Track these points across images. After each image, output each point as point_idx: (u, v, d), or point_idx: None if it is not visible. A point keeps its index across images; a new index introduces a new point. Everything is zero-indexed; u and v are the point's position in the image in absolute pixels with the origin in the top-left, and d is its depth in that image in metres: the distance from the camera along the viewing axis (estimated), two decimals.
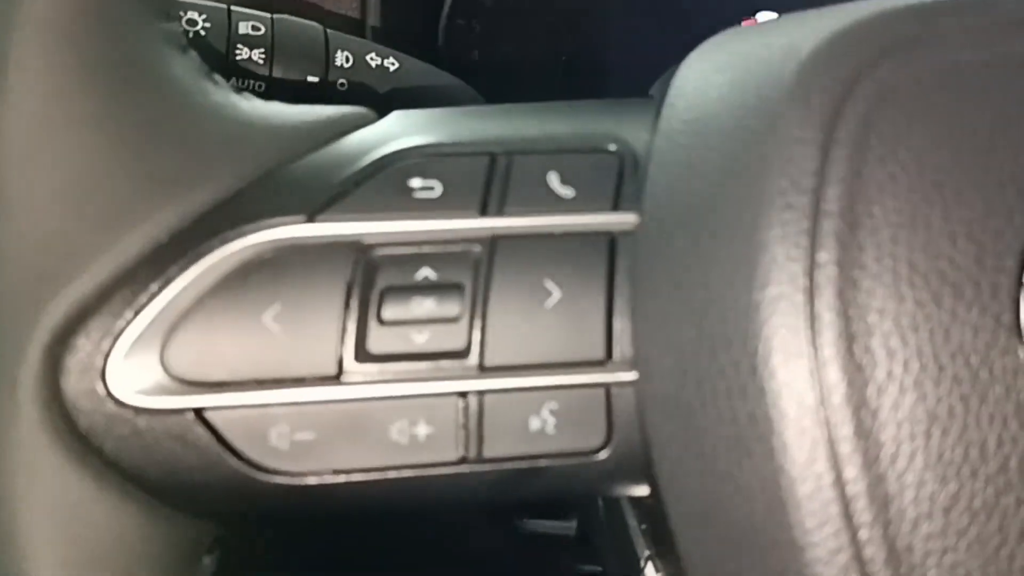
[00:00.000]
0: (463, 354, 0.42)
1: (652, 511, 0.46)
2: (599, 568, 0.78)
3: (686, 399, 0.40)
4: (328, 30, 0.69)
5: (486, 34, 1.02)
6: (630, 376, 0.42)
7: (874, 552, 0.37)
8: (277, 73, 0.65)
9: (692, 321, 0.40)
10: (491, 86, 0.80)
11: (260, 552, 0.58)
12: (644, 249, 0.42)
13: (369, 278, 0.42)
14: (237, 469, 0.42)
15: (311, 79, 0.66)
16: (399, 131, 0.47)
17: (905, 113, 0.39)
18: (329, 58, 0.67)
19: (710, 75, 0.44)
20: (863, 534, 0.37)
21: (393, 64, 0.69)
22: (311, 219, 0.42)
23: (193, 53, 0.46)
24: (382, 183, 0.44)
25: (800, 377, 0.37)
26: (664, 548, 0.51)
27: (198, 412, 0.41)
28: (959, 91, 0.39)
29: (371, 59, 0.69)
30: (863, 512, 0.36)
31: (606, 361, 0.43)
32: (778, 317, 0.37)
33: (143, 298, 0.41)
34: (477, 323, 0.42)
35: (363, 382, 0.42)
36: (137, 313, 0.41)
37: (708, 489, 0.40)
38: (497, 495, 0.45)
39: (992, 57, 0.40)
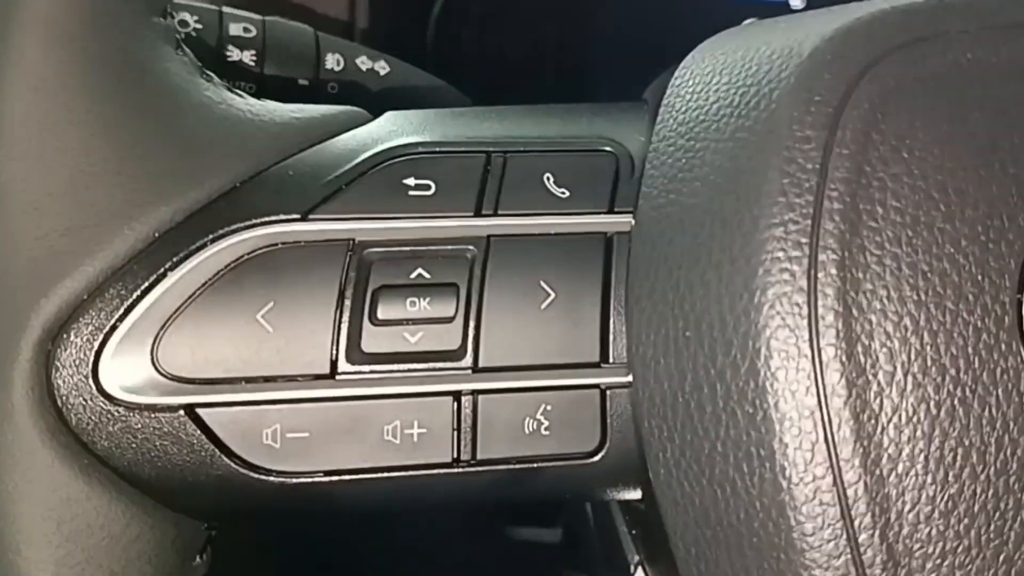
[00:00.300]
0: (457, 355, 0.42)
1: (643, 516, 0.46)
2: (584, 575, 0.78)
3: (684, 401, 0.39)
4: (319, 33, 0.69)
5: (474, 38, 1.01)
6: (625, 378, 0.42)
7: (873, 555, 0.36)
8: (269, 74, 0.65)
9: (690, 322, 0.39)
10: (479, 90, 0.79)
11: (252, 552, 0.58)
12: (640, 250, 0.42)
13: (363, 277, 0.42)
14: (229, 467, 0.41)
15: (302, 81, 0.65)
16: (393, 130, 0.47)
17: (908, 113, 0.38)
18: (320, 61, 0.67)
19: (709, 76, 0.44)
20: (862, 537, 0.36)
21: (383, 68, 0.69)
22: (305, 217, 0.42)
23: (187, 51, 0.46)
24: (376, 181, 0.43)
25: (800, 379, 0.37)
26: (654, 553, 0.51)
27: (190, 409, 0.41)
28: (963, 92, 0.39)
29: (362, 62, 0.68)
30: (863, 515, 0.36)
31: (601, 363, 0.43)
32: (778, 318, 0.37)
33: (136, 295, 0.41)
34: (471, 323, 0.42)
35: (356, 382, 0.41)
36: (129, 310, 0.41)
37: (705, 492, 0.39)
38: (490, 497, 0.45)
39: (997, 59, 0.40)
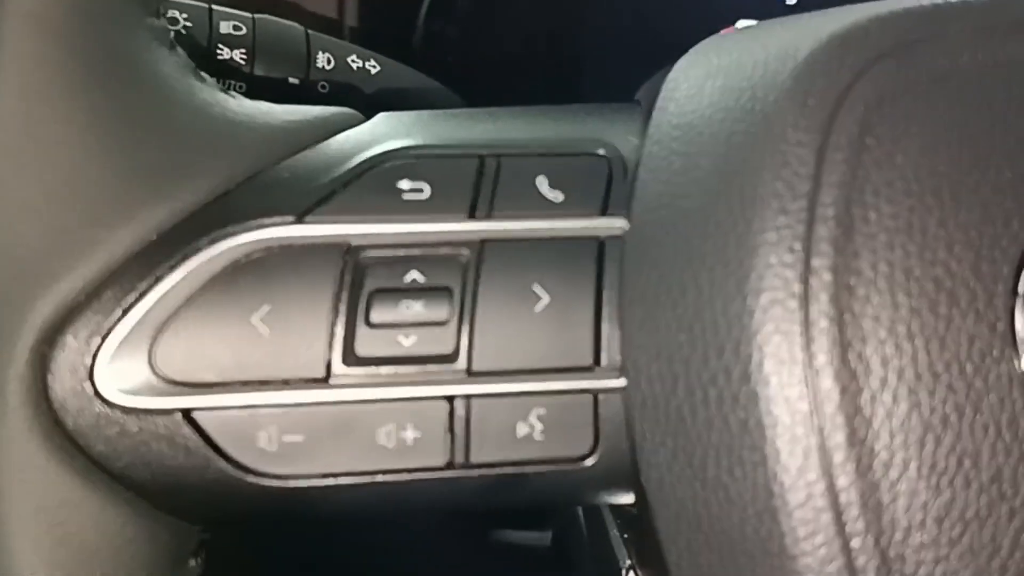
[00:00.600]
0: (451, 358, 0.42)
1: (634, 520, 0.46)
2: None
3: (676, 406, 0.39)
4: (309, 31, 0.69)
5: (462, 37, 1.01)
6: (618, 382, 0.42)
7: (866, 562, 0.36)
8: (259, 73, 0.65)
9: (683, 327, 0.39)
10: (468, 89, 0.79)
11: (245, 556, 0.58)
12: (633, 254, 0.42)
13: (357, 280, 0.42)
14: (224, 471, 0.41)
15: (292, 80, 0.65)
16: (387, 132, 0.46)
17: (903, 117, 0.38)
18: (310, 59, 0.67)
19: (703, 80, 0.44)
20: (855, 543, 0.36)
21: (374, 67, 0.69)
22: (300, 220, 0.42)
23: (180, 51, 0.46)
24: (370, 184, 0.43)
25: (793, 384, 0.37)
26: (645, 557, 0.51)
27: (186, 413, 0.41)
28: (958, 95, 0.39)
29: (352, 61, 0.68)
30: (856, 521, 0.36)
31: (594, 367, 0.42)
32: (772, 323, 0.37)
33: (131, 297, 0.41)
34: (465, 327, 0.42)
35: (351, 385, 0.41)
36: (125, 312, 0.41)
37: (698, 497, 0.39)
38: (483, 501, 0.45)
39: (992, 61, 0.40)
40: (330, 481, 0.42)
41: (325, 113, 0.47)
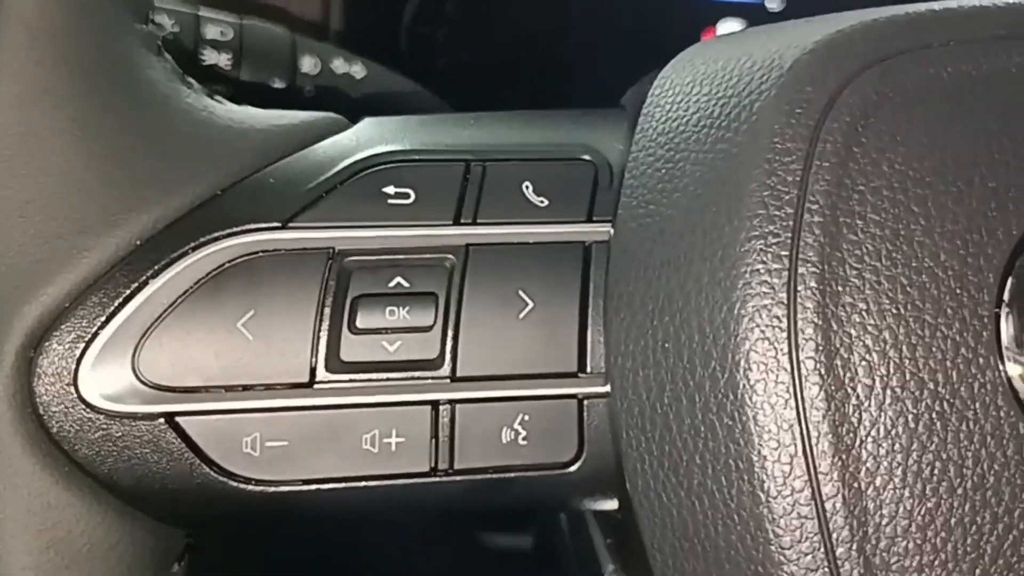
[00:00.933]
0: (436, 364, 0.42)
1: (618, 525, 0.46)
2: None
3: (662, 413, 0.40)
4: (295, 35, 0.69)
5: (448, 41, 1.01)
6: (603, 388, 0.42)
7: (851, 568, 0.36)
8: (244, 78, 0.65)
9: (669, 334, 0.39)
10: (454, 93, 0.79)
11: (229, 560, 0.58)
12: (619, 260, 0.42)
13: (342, 286, 0.42)
14: (208, 475, 0.41)
15: (278, 84, 0.65)
16: (372, 138, 0.47)
17: (889, 126, 0.39)
18: (296, 64, 0.67)
19: (689, 87, 0.44)
20: (840, 551, 0.36)
21: (360, 71, 0.69)
22: (285, 226, 0.42)
23: (168, 57, 0.46)
24: (356, 189, 0.43)
25: (779, 392, 0.37)
26: (629, 562, 0.51)
27: (170, 418, 0.41)
28: (942, 105, 0.39)
29: (338, 65, 0.68)
30: (840, 528, 0.36)
31: (579, 373, 0.43)
32: (758, 331, 0.37)
33: (116, 303, 0.41)
34: (450, 333, 0.42)
35: (335, 390, 0.41)
36: (110, 318, 0.41)
37: (684, 504, 0.39)
38: (467, 506, 0.45)
39: (978, 72, 0.40)
40: (314, 486, 0.42)
41: (311, 118, 0.47)
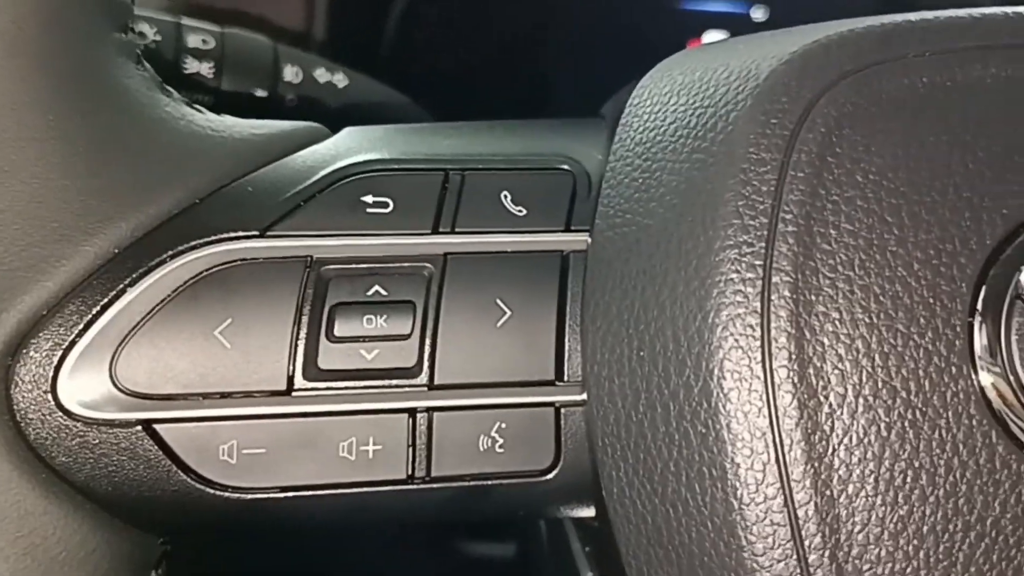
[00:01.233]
0: (413, 372, 0.42)
1: (596, 533, 0.46)
2: None
3: (637, 421, 0.40)
4: (278, 45, 0.69)
5: (431, 50, 1.02)
6: (580, 396, 0.42)
7: None
8: (226, 87, 0.65)
9: (644, 343, 0.40)
10: (436, 102, 0.80)
11: (206, 567, 0.58)
12: (595, 270, 0.42)
13: (320, 294, 0.42)
14: (185, 482, 0.41)
15: (259, 93, 0.66)
16: (352, 147, 0.47)
17: (863, 137, 0.39)
18: (278, 73, 0.67)
19: (666, 97, 0.44)
20: (813, 558, 0.37)
21: (342, 80, 0.69)
22: (263, 234, 0.42)
23: (147, 66, 0.46)
24: (334, 198, 0.44)
25: (753, 400, 0.37)
26: (607, 570, 0.51)
27: (147, 425, 0.41)
28: (919, 116, 0.39)
29: (320, 75, 0.69)
30: (813, 536, 0.36)
31: (556, 381, 0.43)
32: (732, 339, 0.37)
33: (94, 311, 0.41)
34: (427, 341, 0.42)
35: (312, 398, 0.42)
36: (88, 326, 0.41)
37: (658, 512, 0.40)
38: (445, 514, 0.45)
39: (953, 82, 0.40)
40: (291, 494, 0.42)
41: (290, 128, 0.47)
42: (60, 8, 0.42)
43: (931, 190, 0.38)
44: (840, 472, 0.37)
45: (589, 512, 0.46)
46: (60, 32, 0.42)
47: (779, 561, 0.37)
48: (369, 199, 0.43)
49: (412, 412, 0.42)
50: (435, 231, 0.43)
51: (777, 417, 0.37)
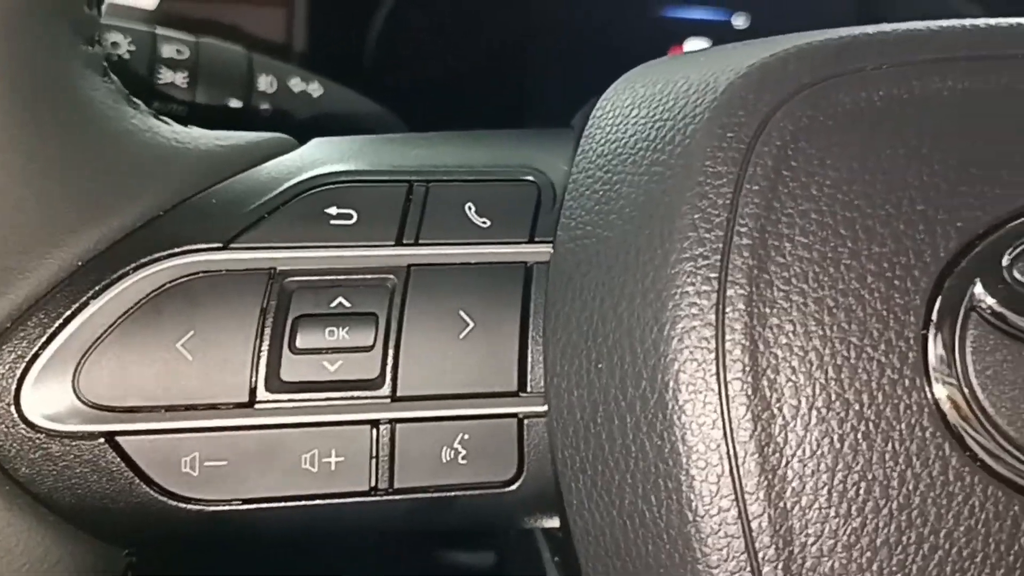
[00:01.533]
0: (376, 384, 0.42)
1: (563, 543, 0.46)
2: None
3: (595, 433, 0.40)
4: (253, 54, 0.69)
5: (411, 60, 1.02)
6: (543, 408, 0.43)
7: None
8: (200, 97, 0.65)
9: (603, 355, 0.40)
10: (414, 111, 0.80)
11: None
12: (557, 281, 0.43)
13: (283, 306, 0.42)
14: (148, 494, 0.42)
15: (233, 103, 0.66)
16: (318, 158, 0.47)
17: (818, 150, 0.39)
18: (252, 82, 0.67)
19: (628, 109, 0.44)
20: (766, 570, 0.37)
21: (317, 90, 0.69)
22: (226, 246, 0.42)
23: (114, 78, 0.46)
24: (298, 210, 0.44)
25: (707, 412, 0.37)
26: None
27: (110, 437, 0.41)
28: (872, 129, 0.39)
29: (294, 84, 0.69)
30: (767, 548, 0.37)
31: (519, 392, 0.43)
32: (687, 352, 0.37)
33: (58, 324, 0.41)
34: (390, 353, 0.42)
35: (275, 410, 0.42)
36: (52, 339, 0.41)
37: (616, 523, 0.40)
38: (408, 525, 0.45)
39: (909, 95, 0.40)
40: (253, 505, 0.42)
41: (257, 139, 0.48)
42: (25, 22, 0.42)
43: (886, 203, 0.38)
44: (794, 484, 0.37)
45: (554, 522, 0.46)
46: (25, 45, 0.42)
47: (733, 573, 0.37)
48: (333, 211, 0.44)
49: (374, 424, 0.42)
50: (399, 243, 0.44)
51: (731, 429, 0.37)
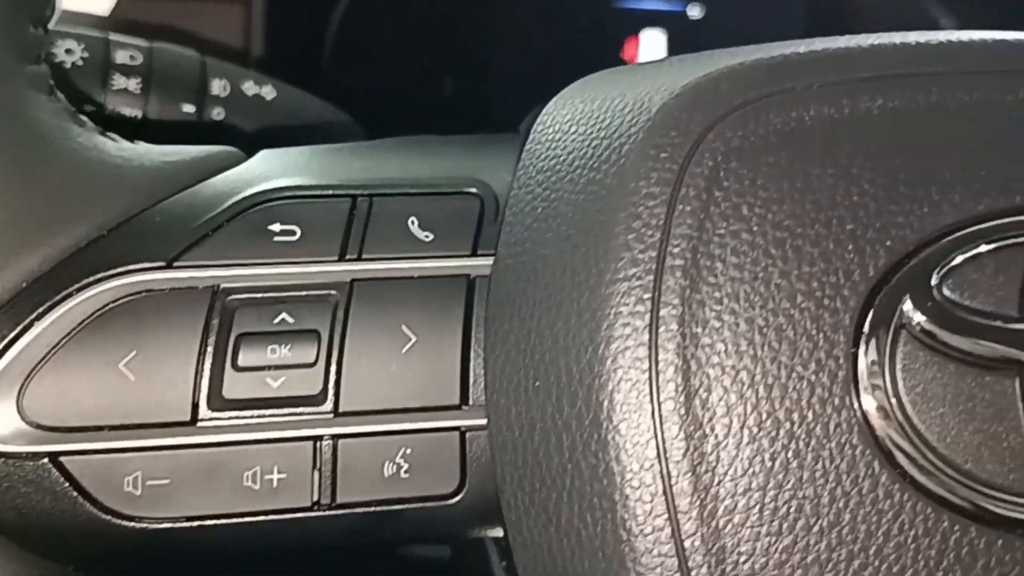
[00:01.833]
0: (318, 400, 0.43)
1: (508, 552, 0.47)
2: None
3: (533, 450, 0.40)
4: (206, 58, 0.69)
5: (371, 61, 1.02)
6: (485, 421, 0.43)
7: None
8: (153, 102, 0.65)
9: (540, 373, 0.40)
10: (373, 114, 0.80)
11: None
12: (496, 297, 0.43)
13: (225, 324, 0.42)
14: (91, 513, 0.42)
15: (187, 108, 0.65)
16: (264, 172, 0.47)
17: (750, 170, 0.39)
18: (206, 87, 0.67)
19: (568, 125, 0.44)
20: None
21: (270, 93, 0.69)
22: (169, 265, 0.43)
23: (60, 96, 0.46)
24: (242, 227, 0.44)
25: (641, 431, 0.37)
26: None
27: (54, 457, 0.41)
28: (804, 148, 0.40)
29: (248, 88, 0.68)
30: (699, 567, 0.37)
31: (461, 405, 0.43)
32: (621, 371, 0.38)
33: (1, 344, 0.41)
34: (333, 368, 0.43)
35: (217, 428, 0.42)
36: None
37: (552, 540, 0.40)
38: (352, 540, 0.45)
39: (840, 115, 0.40)
40: (196, 523, 0.42)
41: (203, 153, 0.48)
42: None
43: (816, 223, 0.39)
44: (726, 503, 0.37)
45: (499, 533, 0.46)
46: None
47: None
48: (276, 227, 0.44)
49: (316, 440, 0.42)
50: (341, 258, 0.44)
51: (665, 449, 0.37)
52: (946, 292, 0.39)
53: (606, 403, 0.38)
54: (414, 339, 0.43)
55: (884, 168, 0.40)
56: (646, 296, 0.38)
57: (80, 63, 0.63)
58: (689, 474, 0.37)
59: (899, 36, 0.43)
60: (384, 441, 0.43)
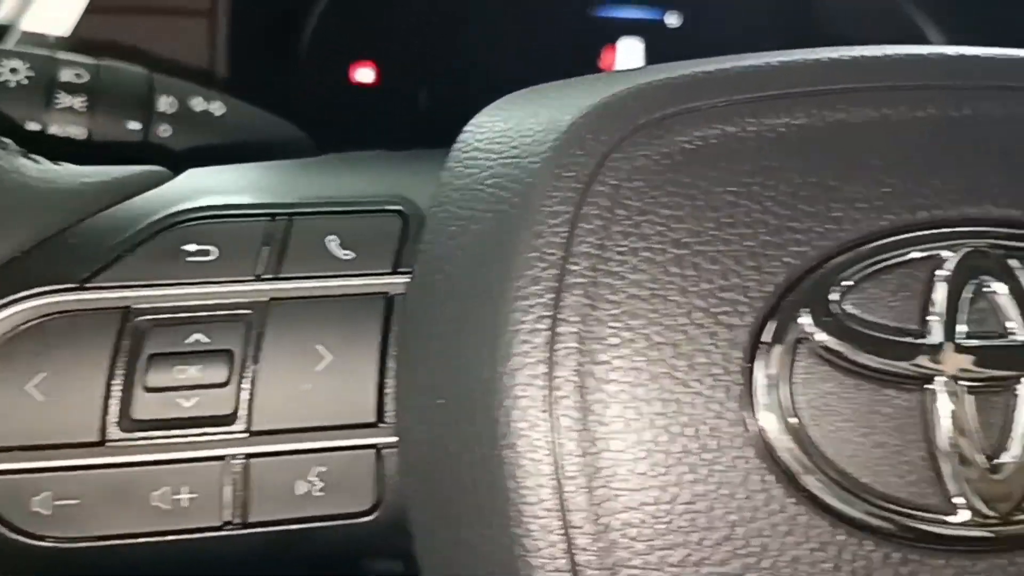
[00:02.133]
0: (230, 419, 0.43)
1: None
2: None
3: (438, 467, 0.40)
4: (155, 75, 0.69)
5: (342, 73, 1.02)
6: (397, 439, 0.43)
7: None
8: (98, 121, 0.65)
9: (445, 391, 0.40)
10: (341, 129, 0.80)
11: None
12: (408, 315, 0.43)
13: (136, 345, 0.43)
14: (2, 534, 0.42)
15: (132, 126, 0.65)
16: (185, 191, 0.47)
17: (652, 189, 0.39)
18: (152, 103, 0.67)
19: (485, 144, 0.44)
20: None
21: (219, 109, 0.69)
22: (82, 286, 0.43)
23: None
24: (156, 248, 0.44)
25: (538, 447, 0.37)
26: None
27: None
28: (706, 165, 0.40)
29: (196, 104, 0.68)
30: None
31: (377, 424, 0.43)
32: (519, 388, 0.38)
33: None
34: (245, 388, 0.43)
35: (125, 449, 0.42)
36: None
37: (456, 560, 0.40)
38: (267, 559, 0.45)
39: (744, 132, 0.40)
40: (107, 543, 0.43)
41: (127, 173, 0.48)
42: None
43: (716, 240, 0.39)
44: (622, 518, 0.37)
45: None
46: None
47: None
48: (191, 247, 0.44)
49: (227, 459, 0.43)
50: (258, 278, 0.44)
51: (560, 465, 0.37)
52: (847, 307, 0.39)
53: (503, 420, 0.38)
54: (330, 358, 0.43)
55: (786, 185, 0.40)
56: (546, 314, 0.38)
57: (25, 82, 0.63)
58: (584, 490, 0.37)
59: (813, 53, 0.44)
60: (297, 459, 0.43)
